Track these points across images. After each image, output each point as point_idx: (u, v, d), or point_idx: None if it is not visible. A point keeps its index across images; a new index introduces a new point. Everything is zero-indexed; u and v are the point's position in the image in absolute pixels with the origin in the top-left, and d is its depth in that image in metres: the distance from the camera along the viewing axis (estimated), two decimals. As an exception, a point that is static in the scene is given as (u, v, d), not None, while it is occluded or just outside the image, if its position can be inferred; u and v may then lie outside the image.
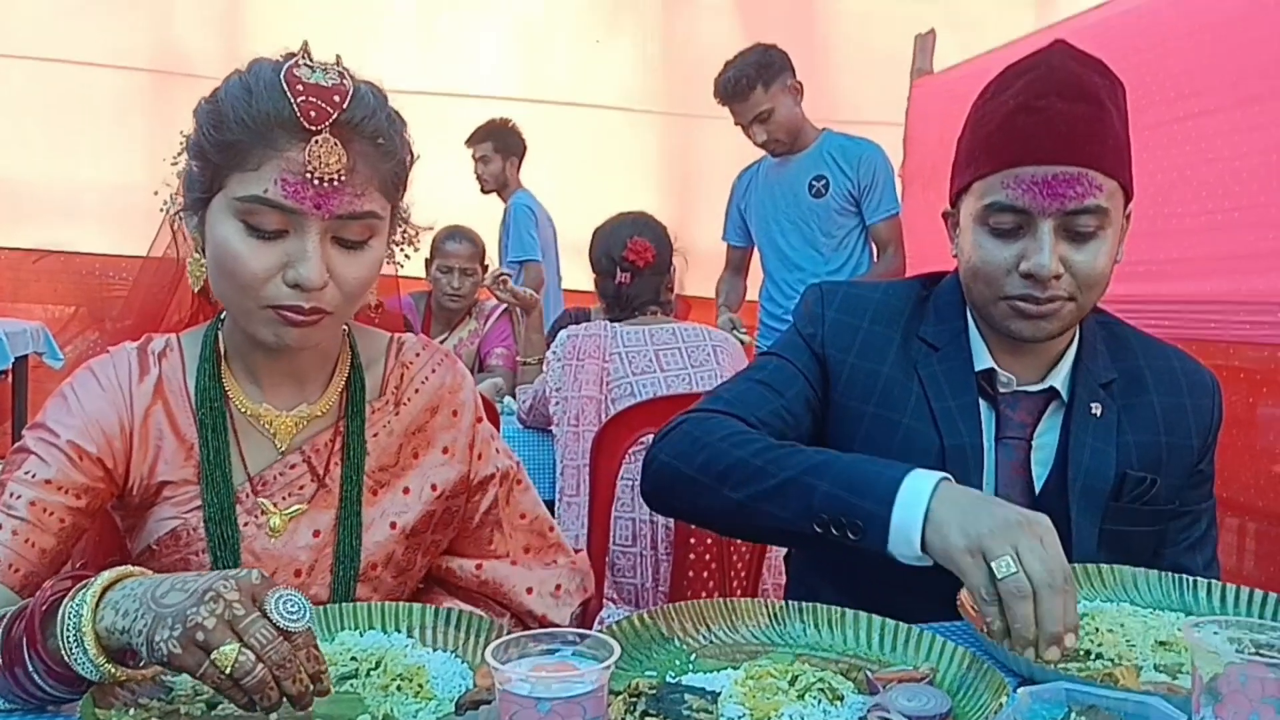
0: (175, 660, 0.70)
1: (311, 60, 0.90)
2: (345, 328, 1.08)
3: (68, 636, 0.73)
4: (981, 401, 1.19)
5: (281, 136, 0.88)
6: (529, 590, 1.13)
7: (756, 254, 3.39)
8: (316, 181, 0.88)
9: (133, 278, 1.15)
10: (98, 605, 0.74)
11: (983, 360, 1.19)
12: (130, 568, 0.79)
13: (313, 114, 0.87)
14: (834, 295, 1.27)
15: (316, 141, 0.87)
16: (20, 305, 4.53)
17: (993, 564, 0.86)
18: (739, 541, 1.93)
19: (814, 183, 3.10)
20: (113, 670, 0.74)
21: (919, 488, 0.94)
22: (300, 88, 0.88)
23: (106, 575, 0.76)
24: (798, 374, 1.23)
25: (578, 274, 2.49)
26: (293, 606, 0.72)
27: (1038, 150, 1.08)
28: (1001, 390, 1.19)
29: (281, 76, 0.88)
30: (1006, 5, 5.13)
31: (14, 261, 4.55)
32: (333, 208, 0.90)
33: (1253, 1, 2.43)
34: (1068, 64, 1.10)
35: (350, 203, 0.91)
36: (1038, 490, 1.18)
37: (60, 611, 0.74)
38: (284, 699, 0.71)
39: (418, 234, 1.05)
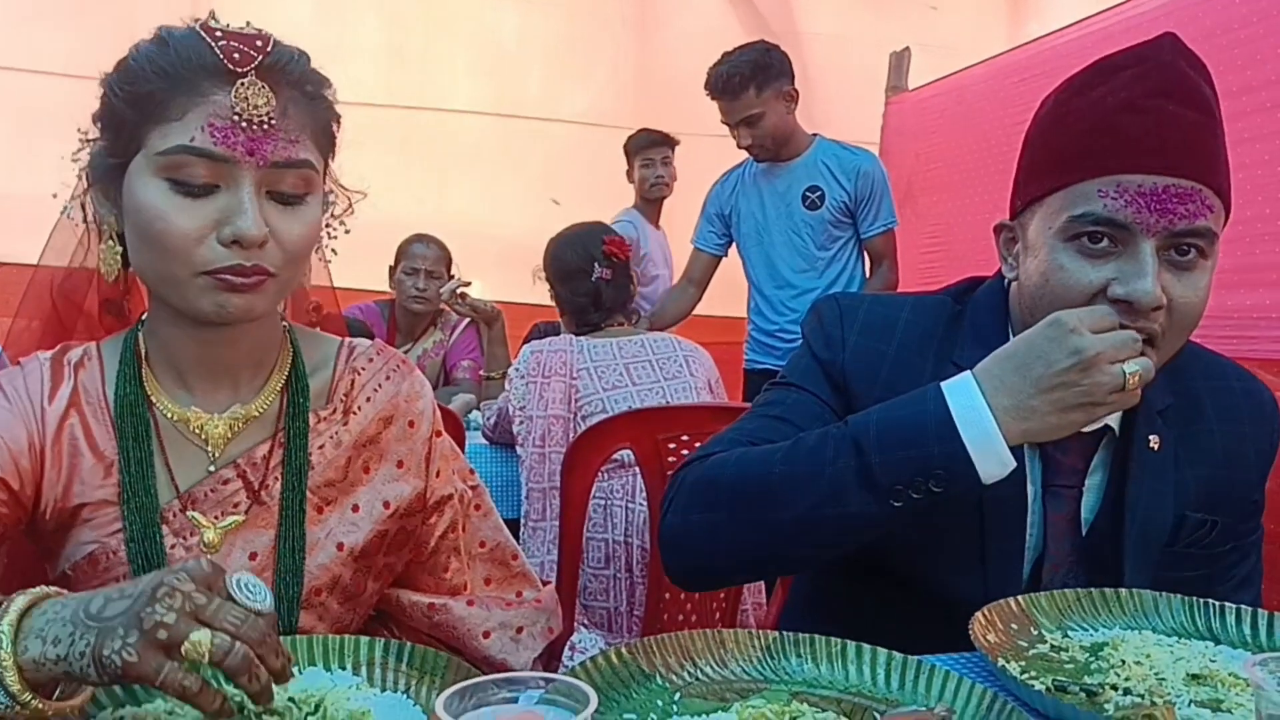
0: (132, 670, 0.62)
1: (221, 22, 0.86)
2: (285, 324, 0.98)
3: None
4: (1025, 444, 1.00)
5: (205, 80, 0.82)
6: (486, 634, 1.03)
7: (719, 268, 3.24)
8: (246, 124, 0.82)
9: (24, 289, 1.03)
10: (17, 635, 0.64)
11: None
12: (46, 588, 0.69)
13: (236, 55, 0.82)
14: (854, 314, 1.10)
15: (243, 84, 0.82)
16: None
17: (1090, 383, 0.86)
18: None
19: (808, 194, 2.96)
20: (37, 705, 0.65)
21: (967, 399, 0.89)
22: (219, 34, 0.84)
23: (21, 600, 0.66)
24: (821, 406, 1.07)
25: (540, 290, 2.41)
26: (253, 588, 0.67)
27: (1148, 157, 0.91)
28: None
29: (198, 28, 0.84)
30: (979, 25, 5.15)
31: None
32: (266, 153, 0.83)
33: (1246, 9, 2.37)
34: (1178, 62, 0.94)
35: (285, 149, 0.84)
36: (1084, 533, 1.04)
37: None
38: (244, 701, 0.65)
39: (350, 206, 0.98)
